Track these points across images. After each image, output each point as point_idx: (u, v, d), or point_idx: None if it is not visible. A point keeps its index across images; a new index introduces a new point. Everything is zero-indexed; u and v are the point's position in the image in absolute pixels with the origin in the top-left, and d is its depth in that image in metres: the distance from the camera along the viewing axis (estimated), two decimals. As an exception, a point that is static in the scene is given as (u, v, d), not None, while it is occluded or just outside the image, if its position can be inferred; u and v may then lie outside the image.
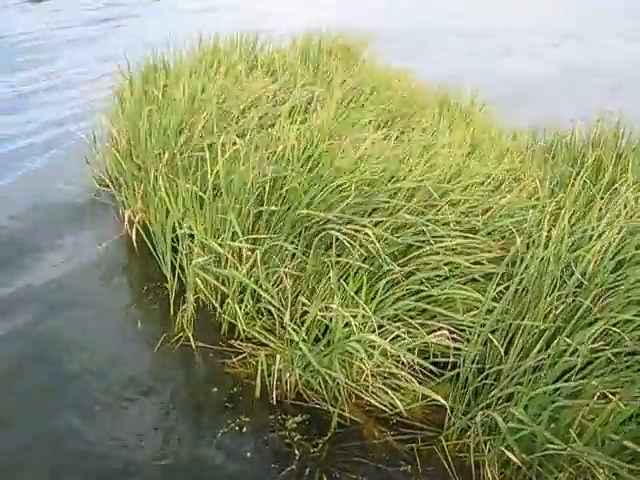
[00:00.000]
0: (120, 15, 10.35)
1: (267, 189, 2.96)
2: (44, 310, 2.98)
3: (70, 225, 3.77)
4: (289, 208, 2.94)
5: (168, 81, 4.22)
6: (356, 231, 2.66)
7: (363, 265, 2.59)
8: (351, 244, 2.62)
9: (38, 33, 8.71)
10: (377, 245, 2.56)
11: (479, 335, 2.37)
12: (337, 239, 2.69)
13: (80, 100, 5.88)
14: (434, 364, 2.45)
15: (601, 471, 2.00)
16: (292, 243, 2.85)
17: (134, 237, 3.16)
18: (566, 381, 2.18)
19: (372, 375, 2.31)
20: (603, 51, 10.08)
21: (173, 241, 2.93)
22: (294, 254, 2.82)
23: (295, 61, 5.02)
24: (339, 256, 2.70)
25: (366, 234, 2.62)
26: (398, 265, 2.64)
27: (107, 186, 3.85)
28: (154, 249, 3.02)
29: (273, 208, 2.85)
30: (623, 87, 7.70)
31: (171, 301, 2.91)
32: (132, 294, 3.22)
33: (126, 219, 3.30)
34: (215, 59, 4.78)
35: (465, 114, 5.02)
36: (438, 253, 2.69)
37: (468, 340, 2.42)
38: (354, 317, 2.29)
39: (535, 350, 2.29)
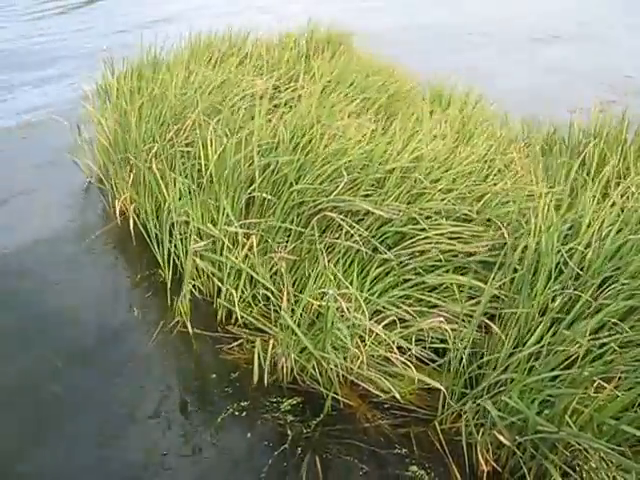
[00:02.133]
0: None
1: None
2: (36, 300, 2.99)
3: (60, 215, 3.76)
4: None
5: (160, 74, 4.19)
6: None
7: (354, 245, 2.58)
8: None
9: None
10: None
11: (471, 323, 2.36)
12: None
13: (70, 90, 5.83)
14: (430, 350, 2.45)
15: (593, 454, 2.00)
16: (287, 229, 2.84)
17: (124, 224, 3.15)
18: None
19: (363, 360, 2.31)
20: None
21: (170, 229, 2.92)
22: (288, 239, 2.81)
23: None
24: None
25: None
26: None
27: (98, 176, 3.83)
28: (148, 237, 3.01)
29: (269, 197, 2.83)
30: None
31: (167, 288, 2.91)
32: (127, 283, 3.21)
33: (117, 208, 3.29)
34: (205, 53, 4.76)
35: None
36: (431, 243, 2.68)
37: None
38: (344, 298, 2.29)
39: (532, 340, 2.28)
